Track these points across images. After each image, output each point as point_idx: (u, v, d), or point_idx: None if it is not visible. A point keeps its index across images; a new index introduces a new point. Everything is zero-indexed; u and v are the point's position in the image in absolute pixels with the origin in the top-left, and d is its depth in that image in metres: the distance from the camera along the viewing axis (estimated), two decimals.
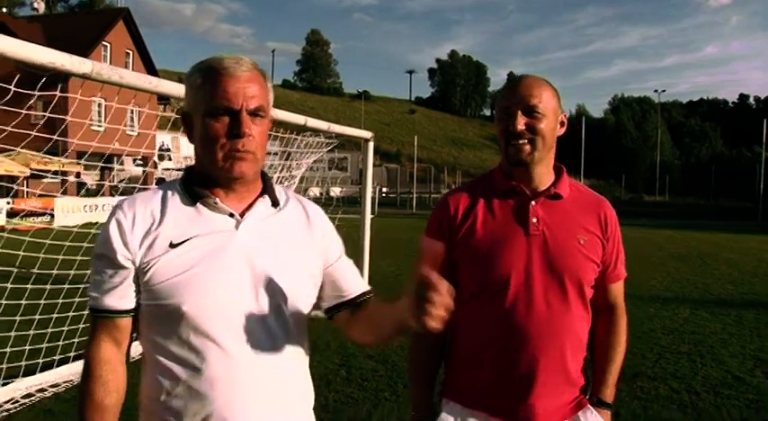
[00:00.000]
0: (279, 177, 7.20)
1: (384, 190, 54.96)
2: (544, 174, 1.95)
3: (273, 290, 1.48)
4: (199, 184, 1.50)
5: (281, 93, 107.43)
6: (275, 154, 7.59)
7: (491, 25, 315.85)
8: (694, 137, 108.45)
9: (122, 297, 1.45)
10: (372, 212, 21.33)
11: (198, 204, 1.48)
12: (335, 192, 27.80)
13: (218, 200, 1.48)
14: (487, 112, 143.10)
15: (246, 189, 1.53)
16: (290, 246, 1.54)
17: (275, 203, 1.57)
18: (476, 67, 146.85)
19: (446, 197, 2.03)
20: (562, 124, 1.96)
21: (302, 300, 1.55)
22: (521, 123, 1.86)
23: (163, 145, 42.99)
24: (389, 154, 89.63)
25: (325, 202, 8.66)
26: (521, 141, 1.87)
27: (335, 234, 1.70)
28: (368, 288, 1.70)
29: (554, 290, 1.86)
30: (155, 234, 1.44)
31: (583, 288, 1.91)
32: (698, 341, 7.00)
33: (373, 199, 31.53)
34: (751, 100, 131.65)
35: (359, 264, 1.49)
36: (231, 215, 1.49)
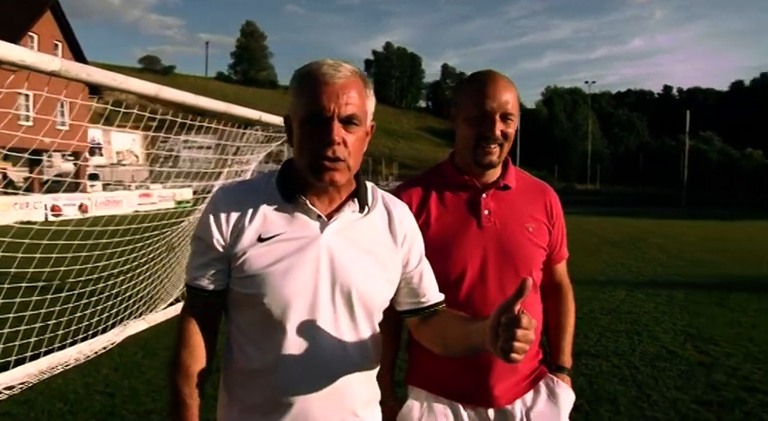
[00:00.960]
0: (229, 172, 7.20)
1: None
2: (496, 169, 2.02)
3: (349, 294, 1.51)
4: (293, 184, 1.54)
5: (215, 86, 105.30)
6: (208, 147, 7.55)
7: (425, 17, 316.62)
8: (622, 127, 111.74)
9: (213, 279, 1.52)
10: None
11: (289, 203, 1.52)
12: None
13: (308, 201, 1.51)
14: (423, 104, 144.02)
15: (338, 192, 1.55)
16: (371, 252, 1.55)
17: (363, 207, 1.58)
18: (411, 58, 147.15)
19: (398, 191, 2.03)
20: None
21: (377, 306, 1.59)
22: (497, 130, 1.89)
23: (94, 140, 41.60)
24: None
25: None
26: (493, 146, 1.92)
27: (418, 237, 1.69)
28: (442, 297, 1.71)
29: (508, 278, 1.93)
30: (246, 225, 1.49)
31: (533, 273, 2.00)
32: (634, 320, 7.46)
33: None
34: (674, 91, 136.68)
35: None
36: (319, 217, 1.52)
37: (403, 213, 1.68)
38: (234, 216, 1.51)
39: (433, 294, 1.70)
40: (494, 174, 2.02)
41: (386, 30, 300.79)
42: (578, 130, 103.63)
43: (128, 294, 6.18)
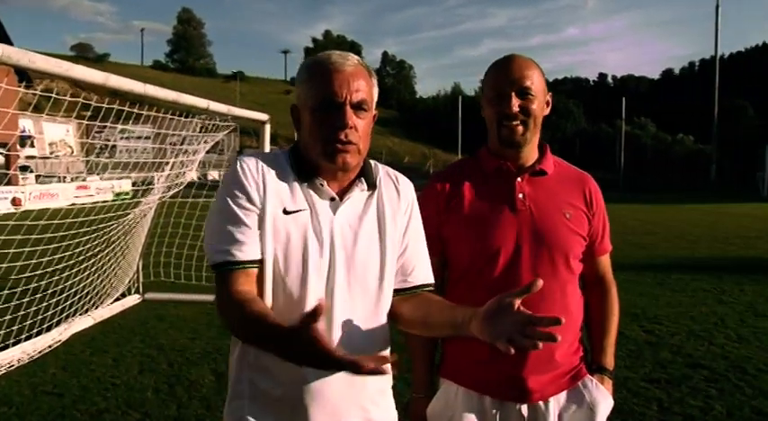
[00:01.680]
0: (174, 162, 7.02)
1: None
2: (531, 153, 1.98)
3: (363, 274, 1.54)
4: (307, 167, 1.56)
5: (152, 74, 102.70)
6: (147, 137, 7.38)
7: (363, 4, 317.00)
8: (560, 114, 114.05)
9: (253, 249, 1.46)
10: None
11: (306, 183, 1.54)
12: (213, 175, 27.11)
13: (324, 182, 1.54)
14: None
15: (346, 173, 1.58)
16: (381, 231, 1.60)
17: (371, 185, 1.62)
18: (350, 46, 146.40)
19: (433, 179, 2.05)
20: (548, 104, 1.98)
21: (388, 282, 1.61)
22: (515, 105, 1.87)
23: (24, 130, 40.01)
24: None
25: (199, 185, 8.59)
26: (514, 122, 1.89)
27: (416, 215, 1.72)
28: (431, 280, 1.73)
29: (542, 264, 1.89)
30: (272, 195, 1.50)
31: (570, 261, 1.94)
32: None
33: None
34: (609, 79, 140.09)
35: None
36: (332, 199, 1.55)
37: (407, 188, 1.71)
38: (262, 183, 1.51)
39: (421, 275, 1.70)
40: (529, 158, 1.99)
41: (325, 17, 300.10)
42: None
43: (73, 290, 5.97)
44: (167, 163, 6.89)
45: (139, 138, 7.73)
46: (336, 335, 1.49)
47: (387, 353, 1.62)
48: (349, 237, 1.54)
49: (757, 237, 14.97)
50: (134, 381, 4.81)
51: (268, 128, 7.74)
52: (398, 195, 1.68)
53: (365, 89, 1.53)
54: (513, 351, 1.25)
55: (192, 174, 7.59)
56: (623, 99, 48.35)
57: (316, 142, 1.52)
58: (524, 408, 1.90)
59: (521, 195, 1.93)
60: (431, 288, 1.72)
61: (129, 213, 6.65)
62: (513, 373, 1.88)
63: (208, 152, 7.74)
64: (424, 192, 2.00)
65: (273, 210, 1.49)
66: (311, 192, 1.55)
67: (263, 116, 7.64)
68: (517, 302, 1.29)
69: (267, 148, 7.77)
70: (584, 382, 1.98)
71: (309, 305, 1.45)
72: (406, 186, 1.72)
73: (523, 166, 1.98)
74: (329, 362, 1.17)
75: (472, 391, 1.94)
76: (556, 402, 1.92)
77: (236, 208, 1.48)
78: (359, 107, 1.51)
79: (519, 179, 1.95)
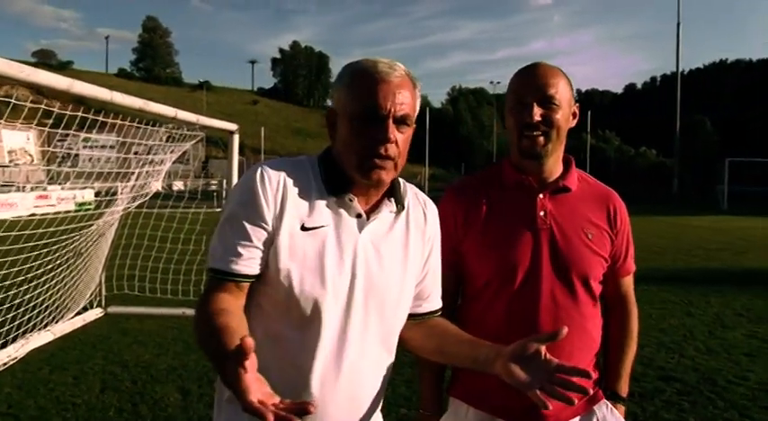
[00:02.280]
0: (140, 172, 6.87)
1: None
2: (554, 167, 1.88)
3: (382, 300, 1.49)
4: (338, 177, 1.48)
5: (117, 82, 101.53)
6: (111, 146, 7.23)
7: (331, 15, 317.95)
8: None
9: (252, 263, 1.41)
10: (220, 206, 20.85)
11: (333, 196, 1.46)
12: (178, 185, 26.72)
13: (354, 198, 1.47)
14: (331, 102, 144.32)
15: (376, 190, 1.51)
16: (405, 255, 1.54)
17: (401, 206, 1.55)
18: (318, 57, 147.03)
19: (450, 191, 1.96)
20: (574, 115, 1.89)
21: (404, 308, 1.57)
22: (537, 114, 1.77)
23: None
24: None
25: (165, 196, 8.42)
26: (535, 133, 1.79)
27: (438, 240, 1.68)
28: (440, 305, 1.71)
29: (561, 285, 1.81)
30: (290, 209, 1.42)
31: (590, 283, 1.86)
32: None
33: (219, 193, 30.70)
34: (574, 93, 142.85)
35: None
36: (359, 216, 1.48)
37: (433, 214, 1.66)
38: (279, 197, 1.42)
39: (435, 302, 1.69)
40: (553, 172, 1.88)
41: (293, 28, 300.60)
42: (483, 130, 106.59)
43: (31, 304, 5.74)
44: (132, 173, 6.73)
45: (103, 147, 7.56)
46: (350, 354, 1.45)
47: (389, 373, 1.61)
48: (372, 257, 1.48)
49: (718, 248, 15.20)
50: (96, 400, 4.61)
51: (237, 138, 7.63)
52: (425, 220, 1.63)
53: (409, 102, 1.45)
54: (550, 406, 1.27)
55: (158, 185, 7.44)
56: (588, 112, 49.09)
57: (351, 154, 1.44)
58: None
59: (542, 213, 1.84)
60: (440, 312, 1.71)
61: (92, 224, 6.47)
62: (528, 399, 1.81)
63: (173, 162, 7.62)
64: (441, 205, 1.89)
65: (290, 227, 1.41)
66: (338, 206, 1.47)
67: (232, 126, 7.53)
68: (543, 349, 1.29)
69: (236, 158, 7.65)
70: (599, 406, 1.91)
71: (324, 323, 1.42)
72: (433, 212, 1.67)
73: (546, 181, 1.88)
74: (240, 400, 1.04)
75: (484, 413, 1.87)
76: None
77: (243, 221, 1.41)
78: (402, 121, 1.44)
79: (541, 195, 1.86)
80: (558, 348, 1.75)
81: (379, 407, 1.62)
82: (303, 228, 1.42)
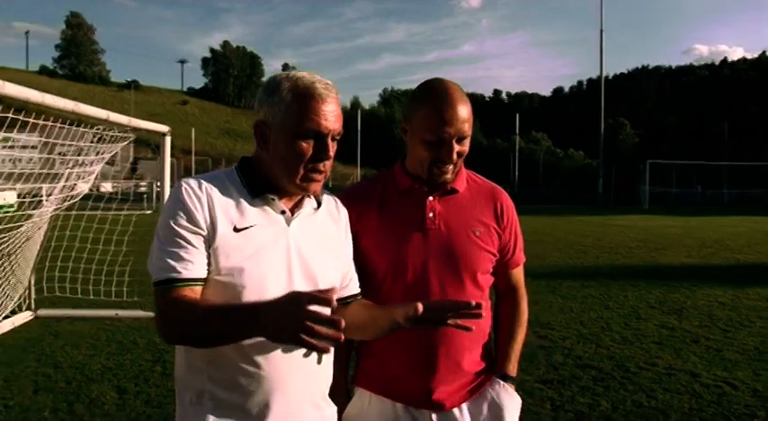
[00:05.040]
0: (70, 173, 6.76)
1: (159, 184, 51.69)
2: None
3: (316, 284, 1.60)
4: (260, 182, 1.61)
5: (39, 80, 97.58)
6: (33, 147, 7.08)
7: (261, 15, 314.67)
8: None
9: (198, 268, 1.48)
10: (150, 208, 20.42)
11: (257, 198, 1.59)
12: (106, 187, 25.92)
13: (276, 198, 1.60)
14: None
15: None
16: (328, 245, 1.69)
17: (319, 203, 1.70)
18: (250, 57, 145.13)
19: (345, 192, 2.05)
20: None
21: (337, 291, 1.67)
22: (454, 153, 1.89)
23: None
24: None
25: (95, 198, 8.30)
26: (450, 167, 1.92)
27: (349, 227, 1.84)
28: (358, 290, 1.85)
29: (450, 281, 1.95)
30: (220, 215, 1.52)
31: (476, 276, 1.99)
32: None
33: (148, 194, 29.97)
34: (503, 95, 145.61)
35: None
36: (283, 212, 1.60)
37: (342, 208, 1.84)
38: (207, 205, 1.53)
39: (356, 285, 1.85)
40: None
41: (223, 27, 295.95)
42: None
43: None
44: (59, 174, 6.62)
45: (25, 147, 7.38)
46: None
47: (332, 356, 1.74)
48: (303, 246, 1.61)
49: (638, 246, 15.92)
50: (29, 402, 4.58)
51: (169, 140, 7.63)
52: (339, 212, 1.81)
53: (341, 120, 1.60)
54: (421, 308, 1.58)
55: (87, 186, 7.32)
56: (517, 115, 50.26)
57: (290, 167, 1.56)
58: (434, 417, 1.98)
59: (431, 214, 1.98)
60: (358, 297, 1.85)
61: (20, 225, 6.35)
62: (425, 385, 1.96)
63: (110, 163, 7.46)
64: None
65: (223, 229, 1.52)
66: (263, 206, 1.60)
67: (164, 128, 7.53)
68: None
69: (168, 160, 7.65)
70: (491, 385, 2.05)
71: None
72: (342, 206, 1.84)
73: (435, 185, 2.01)
74: (301, 298, 1.25)
75: (386, 399, 2.01)
76: (467, 408, 2.00)
77: (180, 229, 1.49)
78: (335, 138, 1.59)
79: (430, 198, 1.99)
80: (449, 338, 1.94)
81: (329, 384, 1.73)
82: (235, 230, 1.53)
